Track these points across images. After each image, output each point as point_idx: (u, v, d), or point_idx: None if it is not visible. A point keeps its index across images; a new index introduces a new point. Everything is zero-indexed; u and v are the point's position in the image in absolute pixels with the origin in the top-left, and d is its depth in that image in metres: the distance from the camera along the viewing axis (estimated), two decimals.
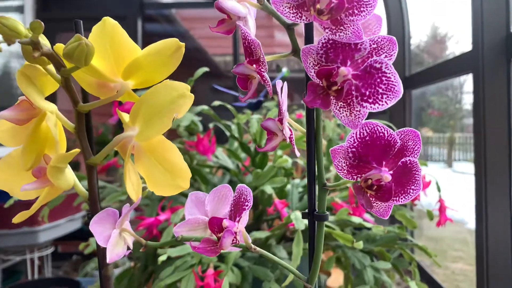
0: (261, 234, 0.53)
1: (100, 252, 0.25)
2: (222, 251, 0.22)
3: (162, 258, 0.46)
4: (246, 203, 0.23)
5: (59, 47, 0.22)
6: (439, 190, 0.74)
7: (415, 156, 0.21)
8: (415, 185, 0.21)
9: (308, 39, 0.22)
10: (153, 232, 0.50)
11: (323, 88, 0.20)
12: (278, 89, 0.24)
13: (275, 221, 0.66)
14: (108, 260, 0.23)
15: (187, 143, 0.59)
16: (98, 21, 0.22)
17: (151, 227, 0.50)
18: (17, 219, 0.25)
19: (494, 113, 0.79)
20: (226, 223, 0.22)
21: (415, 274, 0.59)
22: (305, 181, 0.74)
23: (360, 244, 0.47)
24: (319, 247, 0.23)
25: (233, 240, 0.22)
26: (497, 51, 0.78)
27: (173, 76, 0.24)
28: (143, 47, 0.22)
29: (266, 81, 0.23)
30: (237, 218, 0.22)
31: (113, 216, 0.24)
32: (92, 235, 0.24)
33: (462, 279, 1.65)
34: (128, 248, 0.24)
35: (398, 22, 1.39)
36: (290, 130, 0.24)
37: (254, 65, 0.23)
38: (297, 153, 0.25)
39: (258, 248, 0.23)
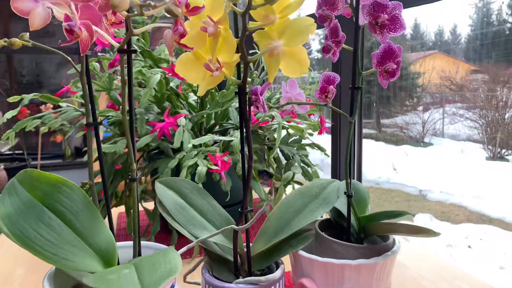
0: None
1: None
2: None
3: (190, 145, 0.63)
4: (336, 79, 0.44)
5: None
6: (320, 109, 1.03)
7: (400, 57, 0.46)
8: (399, 70, 0.46)
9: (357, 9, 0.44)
10: (165, 132, 0.65)
11: (372, 24, 0.43)
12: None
13: None
14: None
15: (164, 69, 0.73)
16: None
17: (162, 129, 0.65)
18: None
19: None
20: (331, 87, 0.44)
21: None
22: None
23: (305, 134, 0.73)
24: (356, 107, 0.47)
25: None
26: None
27: None
28: None
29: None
30: (333, 84, 0.44)
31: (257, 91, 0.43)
32: None
33: None
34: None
35: None
36: None
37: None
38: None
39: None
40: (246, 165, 0.45)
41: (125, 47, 0.37)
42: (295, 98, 0.47)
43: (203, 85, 0.42)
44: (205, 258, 0.48)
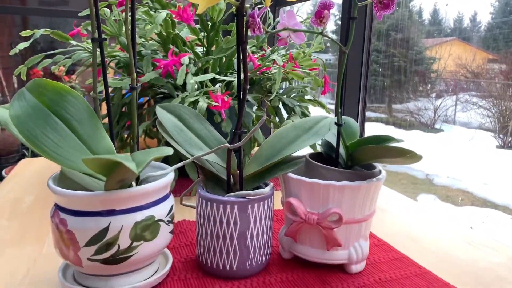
0: None
1: None
2: None
3: (192, 81, 0.65)
4: (331, 5, 0.46)
5: None
6: (324, 69, 1.05)
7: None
8: (394, 4, 0.47)
9: None
10: (169, 70, 0.67)
11: (376, 4, 0.45)
12: None
13: None
14: None
15: (171, 11, 0.75)
16: None
17: (166, 66, 0.67)
18: None
19: None
20: (326, 12, 0.46)
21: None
22: None
23: (306, 80, 0.75)
24: (350, 38, 0.49)
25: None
26: None
27: None
28: None
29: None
30: (329, 9, 0.46)
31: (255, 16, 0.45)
32: None
33: None
34: None
35: None
36: None
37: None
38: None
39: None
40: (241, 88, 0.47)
41: None
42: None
43: (203, 3, 0.45)
44: (200, 178, 0.51)
